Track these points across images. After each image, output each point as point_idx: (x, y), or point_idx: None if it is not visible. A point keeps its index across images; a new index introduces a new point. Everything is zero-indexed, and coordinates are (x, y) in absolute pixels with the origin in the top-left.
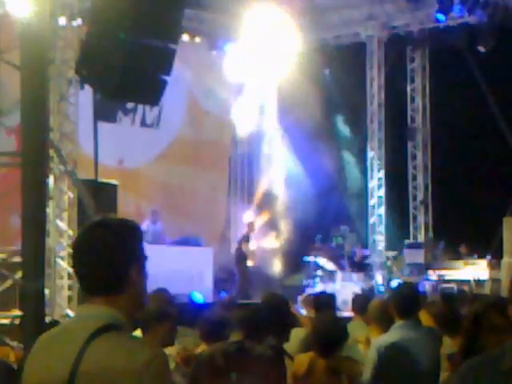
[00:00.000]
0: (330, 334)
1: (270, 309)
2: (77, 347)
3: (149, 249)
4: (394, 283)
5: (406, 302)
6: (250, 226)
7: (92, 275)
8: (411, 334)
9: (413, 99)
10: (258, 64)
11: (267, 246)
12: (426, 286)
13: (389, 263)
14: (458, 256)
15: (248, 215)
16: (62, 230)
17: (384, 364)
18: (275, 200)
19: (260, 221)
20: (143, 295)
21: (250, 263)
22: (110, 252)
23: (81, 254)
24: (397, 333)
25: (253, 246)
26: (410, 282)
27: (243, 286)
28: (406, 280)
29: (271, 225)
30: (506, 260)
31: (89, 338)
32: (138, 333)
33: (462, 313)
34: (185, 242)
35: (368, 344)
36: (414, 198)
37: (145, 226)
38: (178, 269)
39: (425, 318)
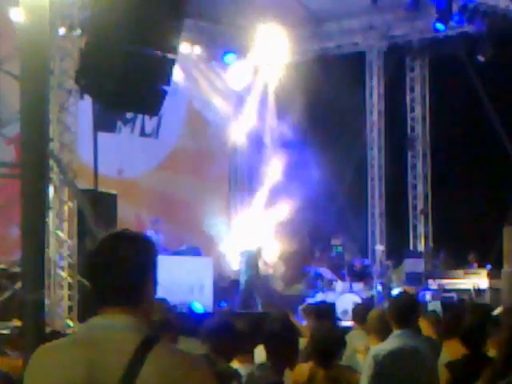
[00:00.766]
0: (327, 343)
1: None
2: (125, 357)
3: None
4: (395, 292)
5: (404, 311)
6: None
7: (115, 285)
8: (409, 342)
9: (412, 108)
10: (257, 74)
11: (267, 255)
12: (426, 296)
13: (389, 273)
14: (462, 265)
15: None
16: (61, 240)
17: (381, 372)
18: (275, 210)
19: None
20: (153, 305)
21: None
22: (135, 263)
23: (104, 264)
24: (394, 341)
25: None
26: (408, 291)
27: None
28: (406, 289)
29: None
30: (505, 269)
31: (141, 349)
32: None
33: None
34: (184, 252)
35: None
36: (414, 208)
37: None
38: (177, 279)
39: (424, 326)
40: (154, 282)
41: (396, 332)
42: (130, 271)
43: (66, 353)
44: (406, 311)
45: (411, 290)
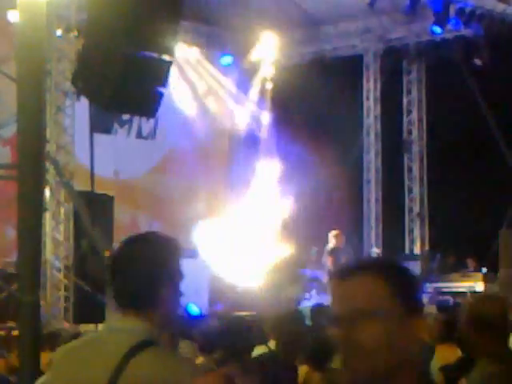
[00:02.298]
0: (320, 347)
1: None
2: (115, 360)
3: None
4: None
5: None
6: (338, 237)
7: (127, 288)
8: None
9: (409, 112)
10: (253, 76)
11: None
12: (422, 299)
13: None
14: (459, 268)
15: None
16: (58, 241)
17: None
18: (271, 212)
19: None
20: (174, 313)
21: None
22: (147, 267)
23: (118, 266)
24: None
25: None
26: None
27: None
28: None
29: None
30: (501, 273)
31: (130, 352)
32: None
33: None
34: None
35: None
36: (410, 211)
37: None
38: None
39: None
40: (174, 288)
41: None
42: (142, 275)
43: (75, 353)
44: None
45: None
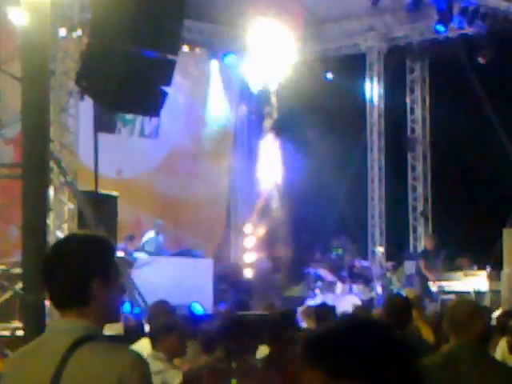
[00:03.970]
0: None
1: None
2: (56, 359)
3: (150, 260)
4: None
5: (394, 313)
6: (432, 239)
7: (59, 289)
8: None
9: (412, 110)
10: (257, 75)
11: (266, 257)
12: (426, 298)
13: (389, 274)
14: (457, 267)
15: (248, 227)
16: None
17: None
18: (275, 211)
19: (260, 232)
20: (111, 307)
21: (249, 275)
22: (73, 265)
23: (48, 268)
24: None
25: (252, 257)
26: (408, 293)
27: None
28: (408, 291)
29: (271, 236)
30: (505, 271)
31: (69, 350)
32: (146, 343)
33: None
34: (184, 253)
35: None
36: (414, 209)
37: (147, 237)
38: (177, 280)
39: (424, 330)
40: (108, 284)
41: None
42: (72, 274)
43: (23, 359)
44: (397, 313)
45: (413, 292)
